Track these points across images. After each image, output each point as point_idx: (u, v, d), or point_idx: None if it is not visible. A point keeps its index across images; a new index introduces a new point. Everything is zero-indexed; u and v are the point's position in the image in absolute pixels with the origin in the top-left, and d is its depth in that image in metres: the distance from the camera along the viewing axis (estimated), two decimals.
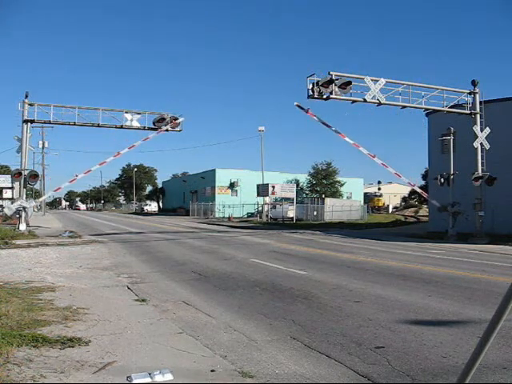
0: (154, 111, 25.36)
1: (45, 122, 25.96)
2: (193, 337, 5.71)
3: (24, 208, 22.62)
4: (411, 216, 55.54)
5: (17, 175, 22.75)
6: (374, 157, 25.86)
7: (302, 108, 23.56)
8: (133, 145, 25.39)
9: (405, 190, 77.15)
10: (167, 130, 25.20)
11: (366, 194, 72.51)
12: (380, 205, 67.66)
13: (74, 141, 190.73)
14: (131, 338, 5.49)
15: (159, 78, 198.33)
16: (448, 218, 24.62)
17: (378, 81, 21.45)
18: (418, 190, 31.79)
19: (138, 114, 24.87)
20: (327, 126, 24.40)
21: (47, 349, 4.93)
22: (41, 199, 41.00)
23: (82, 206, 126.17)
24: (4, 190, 23.55)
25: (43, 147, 58.87)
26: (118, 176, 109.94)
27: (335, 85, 20.28)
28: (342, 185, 59.52)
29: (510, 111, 25.89)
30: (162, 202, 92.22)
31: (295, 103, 23.63)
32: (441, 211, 25.08)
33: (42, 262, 12.89)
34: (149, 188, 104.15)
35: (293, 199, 46.90)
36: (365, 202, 60.93)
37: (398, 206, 72.55)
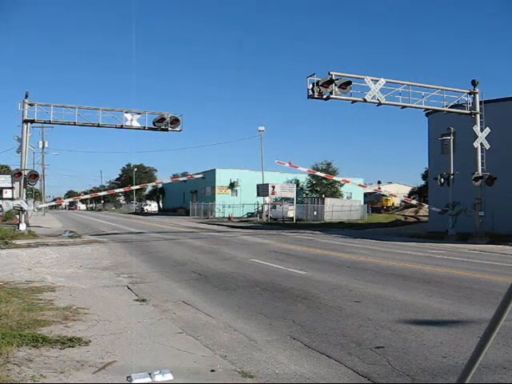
0: (154, 111, 25.34)
1: (45, 122, 25.94)
2: (193, 337, 5.71)
3: (22, 209, 22.64)
4: (411, 216, 55.58)
5: (17, 175, 22.74)
6: (365, 186, 27.58)
7: (282, 163, 26.63)
8: (190, 175, 27.17)
9: (405, 190, 77.18)
10: (167, 130, 25.17)
11: (373, 193, 72.23)
12: (389, 205, 66.91)
13: (74, 141, 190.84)
14: (131, 338, 5.50)
15: (159, 77, 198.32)
16: (448, 218, 24.64)
17: (377, 81, 21.44)
18: (414, 202, 32.46)
19: (138, 114, 24.84)
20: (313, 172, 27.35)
21: (47, 349, 4.93)
22: (41, 206, 41.41)
23: (82, 206, 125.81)
24: (4, 190, 23.49)
25: (43, 147, 58.66)
26: (118, 176, 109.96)
27: (335, 85, 20.27)
28: (342, 185, 59.46)
29: (510, 111, 25.89)
30: (162, 202, 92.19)
31: (276, 161, 26.43)
32: (442, 214, 25.15)
33: (42, 262, 12.89)
34: (149, 188, 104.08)
35: (293, 199, 46.90)
36: (365, 202, 60.87)
37: (398, 205, 72.42)
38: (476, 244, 21.22)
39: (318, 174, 40.15)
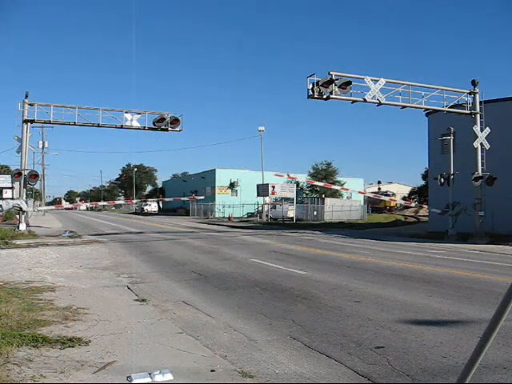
0: (154, 111, 25.37)
1: (45, 122, 25.95)
2: (193, 337, 5.71)
3: (21, 209, 22.65)
4: (411, 216, 55.49)
5: (17, 175, 22.76)
6: (364, 193, 29.32)
7: (281, 175, 29.18)
8: (193, 196, 28.43)
9: (405, 190, 77.15)
10: (167, 130, 25.18)
11: (376, 193, 71.82)
12: (392, 205, 66.31)
13: (74, 141, 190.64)
14: (131, 338, 5.50)
15: (159, 77, 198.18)
16: (448, 218, 24.65)
17: (377, 81, 21.44)
18: (413, 205, 32.74)
19: (138, 114, 24.85)
20: (311, 182, 30.57)
21: (47, 349, 4.93)
22: (41, 208, 41.74)
23: (82, 206, 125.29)
24: (4, 190, 23.53)
25: (43, 147, 58.68)
26: (118, 176, 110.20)
27: (335, 85, 20.26)
28: (342, 185, 59.46)
29: (510, 111, 25.89)
30: (162, 202, 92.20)
31: (274, 174, 28.01)
32: (442, 215, 25.17)
33: (42, 262, 12.89)
34: (149, 188, 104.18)
35: (293, 199, 46.90)
36: (365, 202, 60.81)
37: (399, 206, 72.14)
38: (476, 244, 21.22)
39: (317, 183, 40.57)
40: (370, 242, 22.00)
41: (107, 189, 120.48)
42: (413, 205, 32.25)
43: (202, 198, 39.37)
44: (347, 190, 32.48)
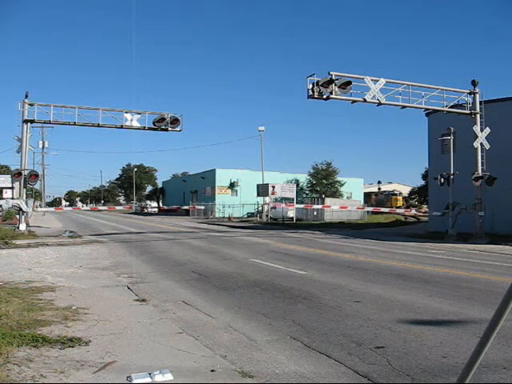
0: (154, 111, 25.35)
1: (45, 122, 25.92)
2: (193, 337, 5.71)
3: (20, 209, 22.66)
4: (411, 216, 55.44)
5: (17, 175, 22.75)
6: (363, 208, 30.81)
7: (278, 205, 29.70)
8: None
9: (405, 190, 77.18)
10: (167, 130, 25.18)
11: (382, 192, 71.73)
12: (398, 205, 65.86)
13: (74, 141, 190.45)
14: (131, 338, 5.50)
15: (159, 78, 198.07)
16: (448, 218, 24.66)
17: (377, 81, 21.43)
18: (413, 212, 33.04)
19: (138, 114, 24.84)
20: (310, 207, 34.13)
21: (47, 349, 4.93)
22: (40, 209, 41.89)
23: (80, 205, 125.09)
24: (4, 190, 23.57)
25: (43, 147, 58.76)
26: (118, 176, 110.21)
27: (335, 85, 20.25)
28: (342, 185, 59.56)
29: (510, 111, 25.89)
30: (162, 202, 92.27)
31: (271, 203, 29.92)
32: (444, 215, 25.18)
33: (42, 261, 12.89)
34: (149, 188, 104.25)
35: (293, 199, 46.88)
36: (365, 202, 60.82)
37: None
38: (476, 244, 21.21)
39: (315, 206, 40.88)
40: (370, 241, 21.99)
41: (107, 189, 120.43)
42: (413, 212, 32.48)
43: (202, 207, 41.42)
44: (346, 207, 32.72)
